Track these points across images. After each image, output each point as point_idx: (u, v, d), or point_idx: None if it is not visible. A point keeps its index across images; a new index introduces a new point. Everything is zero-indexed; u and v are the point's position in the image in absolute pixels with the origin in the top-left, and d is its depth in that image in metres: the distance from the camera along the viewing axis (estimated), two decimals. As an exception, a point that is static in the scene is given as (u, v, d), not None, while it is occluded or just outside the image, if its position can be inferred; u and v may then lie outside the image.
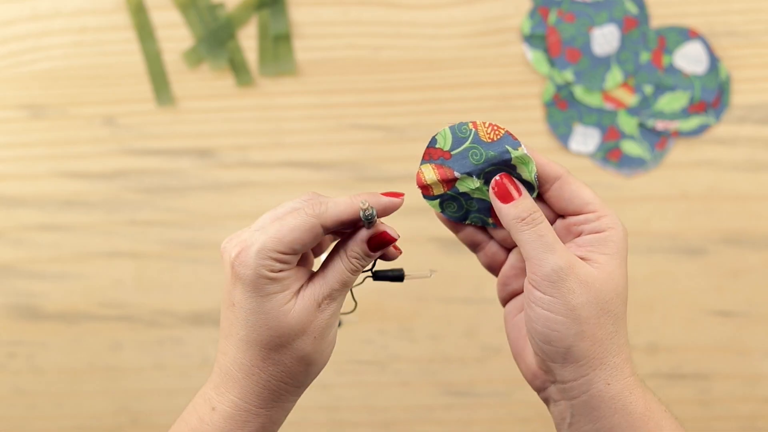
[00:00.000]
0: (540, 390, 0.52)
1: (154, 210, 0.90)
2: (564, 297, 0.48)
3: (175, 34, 0.88)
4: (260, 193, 0.89)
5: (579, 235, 0.52)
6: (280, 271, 0.47)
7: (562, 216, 0.53)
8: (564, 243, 0.51)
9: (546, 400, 0.52)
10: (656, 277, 0.87)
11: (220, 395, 0.49)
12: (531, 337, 0.50)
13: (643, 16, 0.83)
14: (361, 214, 0.49)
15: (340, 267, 0.50)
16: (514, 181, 0.51)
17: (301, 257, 0.50)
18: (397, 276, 0.54)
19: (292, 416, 0.89)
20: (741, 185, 0.86)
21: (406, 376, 0.91)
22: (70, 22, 0.88)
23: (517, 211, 0.50)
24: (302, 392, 0.50)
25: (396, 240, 0.51)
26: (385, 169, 0.88)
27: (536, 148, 0.86)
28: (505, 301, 0.56)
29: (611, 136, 0.85)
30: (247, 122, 0.88)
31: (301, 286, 0.49)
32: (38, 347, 0.92)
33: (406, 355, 0.90)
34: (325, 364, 0.50)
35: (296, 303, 0.48)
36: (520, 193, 0.51)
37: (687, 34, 0.83)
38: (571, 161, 0.86)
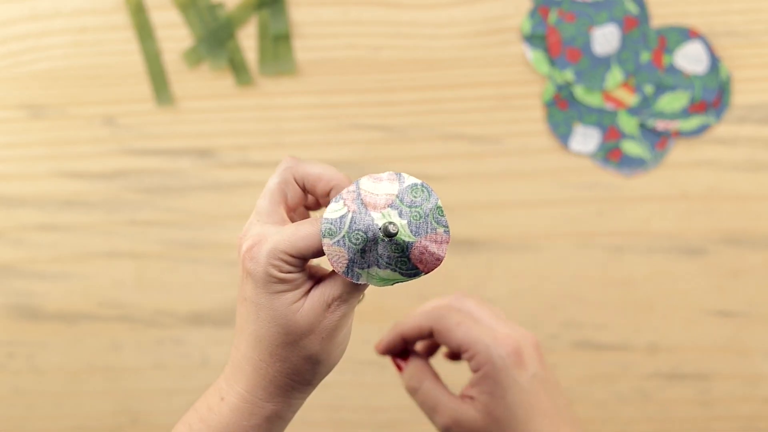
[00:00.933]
0: None
1: (154, 210, 0.90)
2: None
3: (174, 34, 0.88)
4: (260, 192, 0.88)
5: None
6: (289, 272, 0.47)
7: None
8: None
9: None
10: (656, 277, 0.87)
11: (229, 386, 0.50)
12: None
13: (644, 15, 0.83)
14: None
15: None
16: (394, 360, 0.60)
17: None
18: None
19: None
20: (741, 185, 0.86)
21: (406, 376, 0.91)
22: (70, 22, 0.88)
23: (405, 384, 0.59)
24: (311, 390, 0.51)
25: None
26: (385, 169, 0.88)
27: (536, 148, 0.86)
28: None
29: (611, 136, 0.85)
30: (247, 122, 0.88)
31: (312, 286, 0.49)
32: (38, 347, 0.92)
33: (406, 355, 0.90)
34: (334, 365, 0.51)
35: (305, 303, 0.48)
36: (400, 369, 0.60)
37: (687, 34, 0.83)
38: (571, 161, 0.86)
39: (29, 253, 0.91)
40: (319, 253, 0.47)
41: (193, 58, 0.87)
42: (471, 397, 0.55)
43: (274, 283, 0.47)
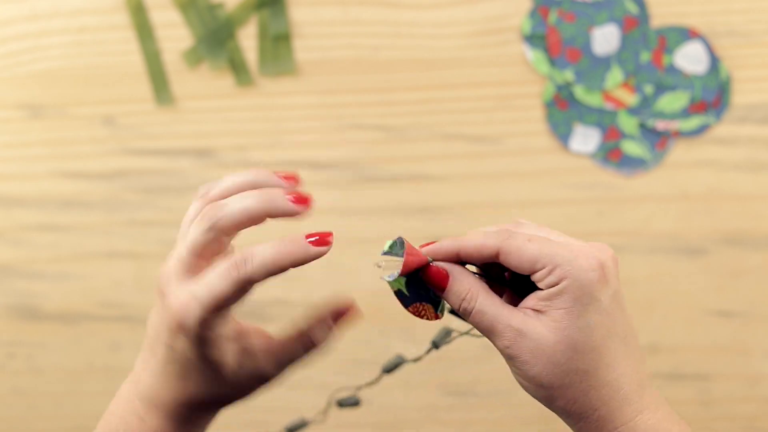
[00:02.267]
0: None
1: (154, 210, 0.90)
2: (520, 370, 0.48)
3: (174, 34, 0.88)
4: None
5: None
6: (216, 327, 0.48)
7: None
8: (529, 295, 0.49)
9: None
10: (657, 277, 0.87)
11: (147, 408, 0.51)
12: None
13: (644, 15, 0.83)
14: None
15: (297, 348, 0.51)
16: (436, 272, 0.50)
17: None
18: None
19: (291, 416, 0.89)
20: (741, 185, 0.86)
21: (406, 376, 0.91)
22: (70, 21, 0.88)
23: (454, 302, 0.50)
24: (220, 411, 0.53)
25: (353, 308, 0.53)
26: (385, 169, 0.88)
27: (536, 148, 0.86)
28: None
29: (611, 136, 0.85)
30: (247, 122, 0.88)
31: (249, 347, 0.50)
32: (38, 347, 0.92)
33: (406, 355, 0.90)
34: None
35: (239, 363, 0.49)
36: (445, 282, 0.50)
37: (687, 34, 0.83)
38: (571, 161, 0.86)
39: (29, 253, 0.91)
40: (241, 299, 0.48)
41: (193, 57, 0.87)
42: (538, 311, 0.48)
43: (205, 342, 0.48)
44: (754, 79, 0.84)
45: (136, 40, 0.87)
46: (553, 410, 0.49)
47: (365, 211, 0.88)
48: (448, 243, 0.50)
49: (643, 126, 0.85)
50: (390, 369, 0.61)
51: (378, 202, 0.88)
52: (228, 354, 0.49)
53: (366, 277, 0.88)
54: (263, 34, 0.87)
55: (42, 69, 0.88)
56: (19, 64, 0.88)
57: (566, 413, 0.49)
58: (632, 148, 0.85)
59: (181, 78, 0.88)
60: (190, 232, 0.49)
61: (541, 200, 0.87)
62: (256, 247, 0.48)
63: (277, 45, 0.87)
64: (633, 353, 0.51)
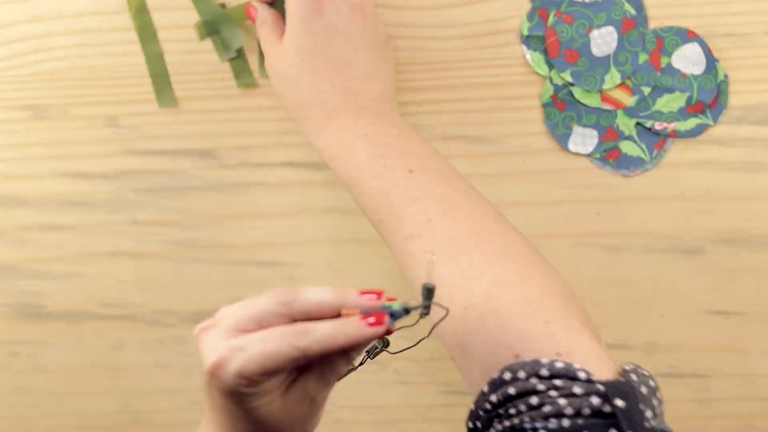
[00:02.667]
0: None
1: (156, 210, 0.90)
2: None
3: (177, 36, 0.88)
4: (261, 193, 0.89)
5: None
6: (257, 385, 0.47)
7: None
8: None
9: None
10: (654, 277, 0.87)
11: None
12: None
13: (642, 17, 0.84)
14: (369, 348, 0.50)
15: (339, 363, 0.52)
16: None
17: None
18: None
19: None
20: (739, 186, 0.86)
21: (406, 375, 0.91)
22: (72, 23, 0.88)
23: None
24: None
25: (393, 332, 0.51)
26: (385, 170, 0.88)
27: (535, 148, 0.86)
28: None
29: (610, 136, 0.85)
30: (249, 123, 0.88)
31: (291, 381, 0.49)
32: (40, 347, 0.93)
33: (406, 355, 0.90)
34: None
35: (283, 401, 0.49)
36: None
37: (685, 36, 0.84)
38: (569, 162, 0.86)
39: (31, 253, 0.91)
40: (286, 370, 0.47)
41: (204, 30, 0.86)
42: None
43: (244, 396, 0.47)
44: (752, 81, 0.85)
45: (138, 42, 0.88)
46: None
47: (365, 211, 0.88)
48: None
49: (641, 127, 0.85)
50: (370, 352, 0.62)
51: (378, 202, 0.88)
52: (271, 397, 0.48)
53: (366, 276, 0.89)
54: (264, 36, 0.87)
55: (44, 70, 0.89)
56: (21, 65, 0.89)
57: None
58: (630, 148, 0.85)
59: (184, 79, 0.88)
60: (270, 336, 0.47)
61: (539, 200, 0.87)
62: (315, 323, 0.47)
63: (278, 46, 0.87)
64: (371, 60, 0.57)
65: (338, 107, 0.62)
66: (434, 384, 0.91)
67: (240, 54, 0.87)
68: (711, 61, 0.84)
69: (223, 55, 0.87)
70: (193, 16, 0.87)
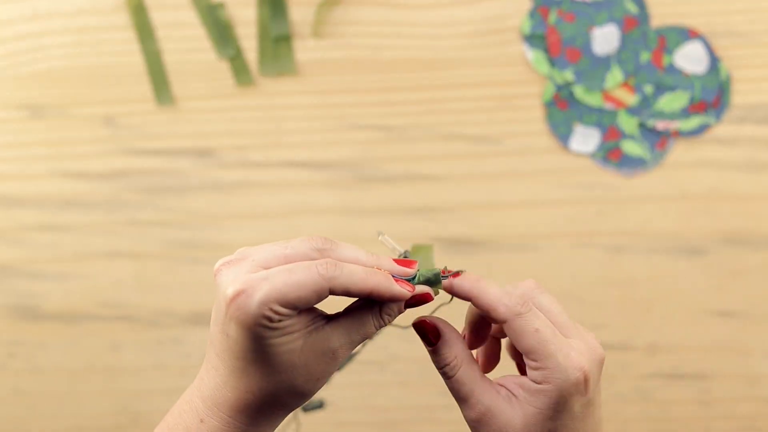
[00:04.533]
0: None
1: (154, 210, 0.90)
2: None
3: (174, 35, 0.88)
4: (260, 193, 0.89)
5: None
6: (280, 321, 0.46)
7: None
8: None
9: None
10: (656, 277, 0.87)
11: (209, 409, 0.48)
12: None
13: (644, 15, 0.83)
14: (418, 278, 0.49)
15: (369, 322, 0.49)
16: (431, 328, 0.52)
17: None
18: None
19: (291, 416, 0.88)
20: (741, 185, 0.86)
21: (406, 376, 0.91)
22: (70, 21, 0.88)
23: (436, 361, 0.52)
24: (290, 413, 0.50)
25: (433, 299, 0.51)
26: (385, 169, 0.88)
27: (536, 148, 0.86)
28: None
29: (611, 135, 0.85)
30: (247, 122, 0.88)
31: (314, 328, 0.47)
32: (38, 347, 0.92)
33: (406, 355, 0.90)
34: (317, 391, 0.50)
35: (304, 346, 0.47)
36: (435, 342, 0.52)
37: (687, 34, 0.83)
38: (571, 161, 0.86)
39: (29, 253, 0.91)
40: (311, 304, 0.46)
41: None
42: (514, 395, 0.51)
43: (264, 332, 0.45)
44: (754, 80, 0.84)
45: (136, 41, 0.87)
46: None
47: (365, 211, 0.88)
48: (468, 286, 0.51)
49: (642, 126, 0.85)
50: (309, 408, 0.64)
51: (378, 202, 0.88)
52: (291, 338, 0.46)
53: (366, 276, 0.88)
54: (263, 35, 0.87)
55: (43, 69, 0.88)
56: (19, 64, 0.88)
57: None
58: (632, 148, 0.85)
59: (182, 78, 0.88)
60: (297, 267, 0.45)
61: (541, 200, 0.87)
62: (346, 263, 0.47)
63: (277, 45, 0.87)
64: None
65: None
66: (434, 385, 0.90)
67: (239, 53, 0.87)
68: (713, 60, 0.83)
69: (221, 53, 0.87)
70: (192, 15, 0.86)
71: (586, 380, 0.51)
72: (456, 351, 0.51)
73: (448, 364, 0.51)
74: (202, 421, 0.48)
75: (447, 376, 0.52)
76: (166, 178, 0.89)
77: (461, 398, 0.52)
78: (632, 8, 0.83)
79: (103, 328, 0.91)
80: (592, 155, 0.86)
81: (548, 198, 0.87)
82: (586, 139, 0.85)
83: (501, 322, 0.50)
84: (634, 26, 0.83)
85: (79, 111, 0.89)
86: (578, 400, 0.51)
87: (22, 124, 0.89)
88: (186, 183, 0.89)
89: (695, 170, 0.86)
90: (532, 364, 0.50)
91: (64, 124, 0.89)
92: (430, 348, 0.52)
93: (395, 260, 0.50)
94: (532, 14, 0.84)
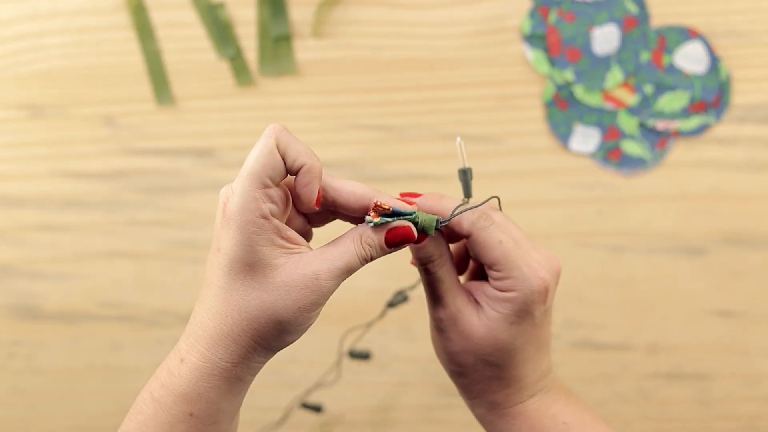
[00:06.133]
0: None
1: (154, 210, 0.90)
2: (444, 343, 0.54)
3: (174, 34, 0.88)
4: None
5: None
6: (267, 206, 0.47)
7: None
8: (477, 280, 0.56)
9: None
10: (656, 277, 0.87)
11: (190, 346, 0.48)
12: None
13: (644, 15, 0.83)
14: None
15: (350, 249, 0.49)
16: (403, 231, 0.52)
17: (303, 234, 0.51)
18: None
19: (291, 416, 0.88)
20: (741, 185, 0.86)
21: (406, 376, 0.91)
22: (70, 21, 0.88)
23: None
24: (271, 356, 0.50)
25: (415, 240, 0.51)
26: (385, 169, 0.88)
27: (536, 147, 0.86)
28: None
29: (611, 135, 0.85)
30: (247, 122, 0.88)
31: (298, 252, 0.48)
32: (38, 347, 0.92)
33: (406, 355, 0.90)
34: (299, 336, 0.50)
35: (287, 264, 0.48)
36: (413, 238, 0.52)
37: (687, 34, 0.83)
38: (571, 161, 0.86)
39: (29, 253, 0.91)
40: (278, 168, 0.47)
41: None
42: (478, 303, 0.54)
43: (254, 225, 0.47)
44: (754, 79, 0.84)
45: (136, 40, 0.87)
46: (454, 382, 0.56)
47: (365, 211, 0.88)
48: (430, 203, 0.54)
49: (643, 126, 0.85)
50: (393, 304, 0.67)
51: (378, 202, 0.88)
52: (276, 251, 0.47)
53: (365, 276, 0.88)
54: (263, 34, 0.87)
55: (42, 69, 0.88)
56: (19, 63, 0.88)
57: (465, 390, 0.56)
58: (632, 147, 0.85)
59: (182, 78, 0.88)
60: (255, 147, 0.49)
61: (541, 200, 0.87)
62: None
63: (277, 45, 0.87)
64: (542, 352, 0.56)
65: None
66: (434, 385, 0.90)
67: (239, 53, 0.87)
68: (713, 60, 0.83)
69: (221, 53, 0.87)
70: (192, 15, 0.87)
71: (546, 290, 0.53)
72: (441, 250, 0.54)
73: (433, 261, 0.54)
74: (182, 360, 0.48)
75: (428, 272, 0.54)
76: (166, 178, 0.89)
77: (436, 296, 0.54)
78: (632, 8, 0.83)
79: (103, 328, 0.91)
80: (592, 155, 0.86)
81: (548, 198, 0.87)
82: (586, 139, 0.85)
83: (466, 236, 0.54)
84: (634, 26, 0.83)
85: (79, 111, 0.89)
86: (538, 308, 0.53)
87: (22, 124, 0.89)
88: (186, 183, 0.89)
89: (695, 170, 0.86)
90: (496, 274, 0.53)
91: (64, 124, 0.89)
92: (416, 244, 0.53)
93: (401, 195, 0.53)
94: (532, 14, 0.84)
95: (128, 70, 0.88)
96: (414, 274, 0.57)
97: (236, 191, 0.47)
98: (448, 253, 0.54)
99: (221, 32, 0.87)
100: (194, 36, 0.87)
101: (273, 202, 0.48)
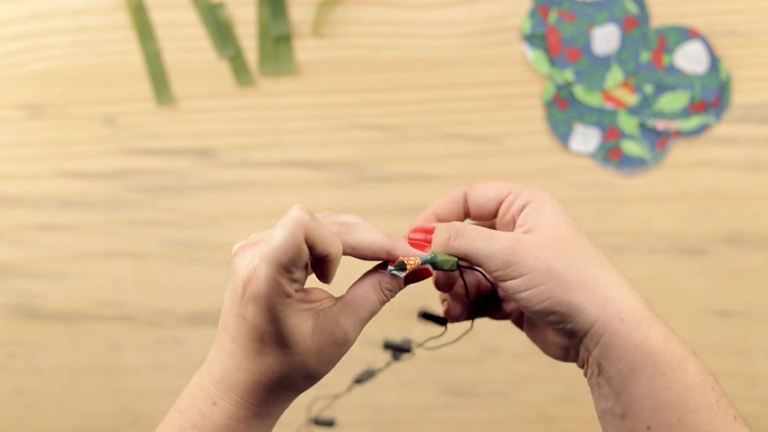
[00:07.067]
0: (576, 359, 0.52)
1: (154, 210, 0.90)
2: (528, 268, 0.49)
3: (174, 34, 0.88)
4: (260, 192, 0.89)
5: (515, 222, 0.52)
6: (292, 283, 0.47)
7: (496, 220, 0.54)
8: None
9: (583, 368, 0.51)
10: (656, 277, 0.87)
11: (221, 392, 0.49)
12: (541, 322, 0.50)
13: (644, 15, 0.83)
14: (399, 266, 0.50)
15: (372, 298, 0.51)
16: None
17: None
18: (440, 321, 0.56)
19: (291, 416, 0.88)
20: (741, 185, 0.85)
21: (406, 376, 0.91)
22: (70, 21, 0.88)
23: (443, 233, 0.51)
24: (300, 394, 0.52)
25: (432, 275, 0.52)
26: (385, 169, 0.88)
27: (536, 147, 0.86)
28: (516, 322, 0.58)
29: (611, 135, 0.85)
30: (247, 122, 0.88)
31: (322, 309, 0.49)
32: (38, 347, 0.92)
33: (405, 355, 0.90)
34: (325, 374, 0.51)
35: (315, 327, 0.48)
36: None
37: (687, 34, 0.83)
38: (571, 161, 0.86)
39: (29, 253, 0.91)
40: (304, 255, 0.47)
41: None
42: (518, 225, 0.51)
43: (280, 306, 0.47)
44: (754, 79, 0.84)
45: (136, 40, 0.87)
46: (574, 312, 0.49)
47: (365, 211, 0.88)
48: (424, 212, 0.55)
49: (643, 126, 0.85)
50: (361, 380, 0.67)
51: (378, 202, 0.88)
52: (303, 317, 0.48)
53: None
54: (263, 34, 0.87)
55: (42, 69, 0.88)
56: (19, 63, 0.88)
57: (587, 303, 0.49)
58: (632, 147, 0.85)
59: (182, 78, 0.88)
60: (277, 227, 0.47)
61: (541, 200, 0.87)
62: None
63: (277, 45, 0.87)
64: (607, 266, 0.51)
65: None
66: (435, 385, 0.90)
67: (239, 53, 0.87)
68: (713, 60, 0.83)
69: (221, 53, 0.87)
70: (191, 15, 0.86)
71: (553, 196, 0.52)
72: (451, 223, 0.52)
73: (452, 235, 0.51)
74: (214, 403, 0.49)
75: (458, 249, 0.51)
76: (166, 178, 0.89)
77: (487, 238, 0.50)
78: (632, 8, 0.83)
79: (103, 328, 0.91)
80: (592, 155, 0.86)
81: (548, 198, 0.87)
82: (586, 138, 0.85)
83: (463, 212, 0.54)
84: (634, 26, 0.83)
85: (79, 111, 0.89)
86: (558, 203, 0.52)
87: (22, 124, 0.89)
88: (186, 183, 0.89)
89: (695, 170, 0.86)
90: (510, 198, 0.53)
91: (64, 123, 0.89)
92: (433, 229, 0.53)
93: (412, 230, 0.53)
94: (532, 14, 0.84)
95: (128, 70, 0.88)
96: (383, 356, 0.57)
97: (260, 275, 0.46)
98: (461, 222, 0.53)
99: (221, 32, 0.87)
100: (194, 36, 0.87)
101: (297, 281, 0.48)
